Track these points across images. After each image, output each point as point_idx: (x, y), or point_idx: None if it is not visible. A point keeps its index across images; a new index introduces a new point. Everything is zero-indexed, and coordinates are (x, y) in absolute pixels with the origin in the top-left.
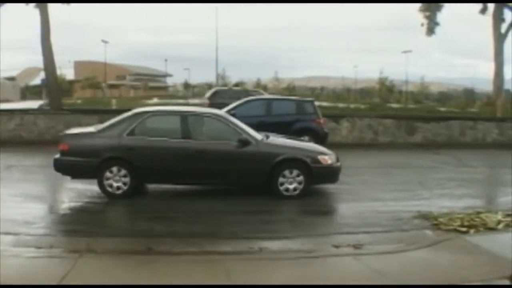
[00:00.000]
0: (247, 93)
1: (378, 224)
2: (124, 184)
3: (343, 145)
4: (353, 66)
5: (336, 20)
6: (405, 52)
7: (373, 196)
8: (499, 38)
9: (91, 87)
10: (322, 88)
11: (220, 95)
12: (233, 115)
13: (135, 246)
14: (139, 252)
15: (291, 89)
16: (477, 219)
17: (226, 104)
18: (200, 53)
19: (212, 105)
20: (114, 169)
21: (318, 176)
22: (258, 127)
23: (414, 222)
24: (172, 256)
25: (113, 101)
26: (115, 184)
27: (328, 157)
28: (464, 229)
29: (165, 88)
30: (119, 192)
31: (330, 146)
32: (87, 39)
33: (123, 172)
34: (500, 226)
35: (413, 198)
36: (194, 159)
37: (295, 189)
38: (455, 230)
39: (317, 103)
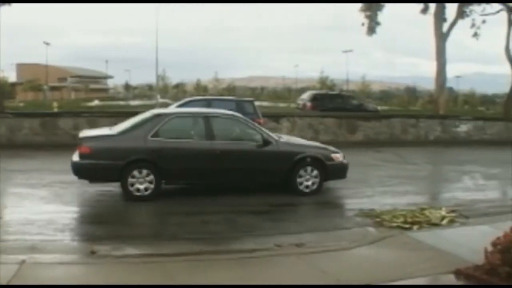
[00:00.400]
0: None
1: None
2: (148, 187)
3: None
4: (293, 66)
5: (277, 20)
6: (345, 51)
7: None
8: (441, 37)
9: (33, 90)
10: (262, 88)
11: (319, 99)
12: None
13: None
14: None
15: (231, 89)
16: (420, 216)
17: (326, 107)
18: (140, 54)
19: (313, 108)
20: (139, 171)
21: (332, 172)
22: None
23: (356, 220)
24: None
25: (55, 104)
26: (140, 186)
27: (339, 155)
28: (407, 225)
29: (106, 90)
30: (144, 194)
31: None
32: (29, 41)
33: (147, 173)
34: (444, 222)
35: (355, 196)
36: (219, 159)
37: (313, 185)
38: (398, 227)
39: (257, 103)
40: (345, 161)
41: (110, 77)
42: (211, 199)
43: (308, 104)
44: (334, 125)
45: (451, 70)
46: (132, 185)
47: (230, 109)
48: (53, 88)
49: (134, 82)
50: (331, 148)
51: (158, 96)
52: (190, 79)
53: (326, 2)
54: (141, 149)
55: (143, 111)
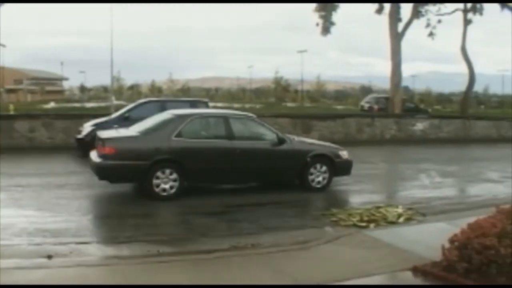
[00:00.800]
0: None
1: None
2: (172, 186)
3: None
4: (248, 67)
5: (231, 21)
6: (300, 51)
7: None
8: (396, 37)
9: None
10: (217, 89)
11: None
12: (127, 117)
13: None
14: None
15: (185, 90)
16: (377, 214)
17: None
18: (95, 56)
19: (379, 109)
20: (164, 171)
21: (339, 169)
22: None
23: (313, 219)
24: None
25: (11, 106)
26: (164, 186)
27: (345, 153)
28: (363, 224)
29: (61, 92)
30: (168, 193)
31: None
32: None
33: (170, 173)
34: (401, 219)
35: (312, 197)
36: (239, 158)
37: (323, 180)
38: (355, 226)
39: (212, 104)
40: (350, 159)
41: (66, 78)
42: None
43: (375, 106)
44: (289, 125)
45: (407, 70)
46: (157, 185)
47: None
48: (9, 91)
49: (89, 83)
50: (337, 146)
51: (113, 98)
52: (145, 80)
53: (280, 2)
54: (165, 149)
55: (106, 113)
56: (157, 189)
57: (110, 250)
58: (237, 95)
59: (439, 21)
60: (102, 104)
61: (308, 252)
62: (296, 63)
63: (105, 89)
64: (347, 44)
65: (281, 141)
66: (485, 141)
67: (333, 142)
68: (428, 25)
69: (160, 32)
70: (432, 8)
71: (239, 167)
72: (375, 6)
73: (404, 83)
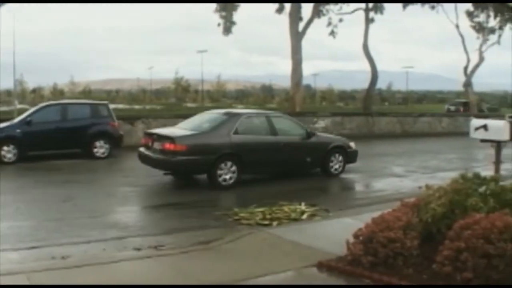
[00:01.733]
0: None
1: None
2: (231, 177)
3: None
4: (148, 68)
5: (131, 21)
6: (200, 51)
7: None
8: (296, 36)
9: None
10: (117, 91)
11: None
12: (29, 122)
13: None
14: None
15: (87, 92)
16: (279, 212)
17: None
18: None
19: (465, 111)
20: (226, 163)
21: (350, 157)
22: (55, 133)
23: (215, 219)
24: None
25: None
26: (226, 177)
27: (353, 144)
28: (266, 222)
29: None
30: (229, 183)
31: (127, 148)
32: None
33: (231, 165)
34: (305, 216)
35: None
36: (282, 151)
37: (339, 167)
38: (258, 224)
39: (112, 106)
40: (356, 149)
41: None
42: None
43: (461, 108)
44: None
45: (308, 68)
46: (220, 176)
47: (85, 113)
48: None
49: None
50: (347, 139)
51: (16, 102)
52: (48, 83)
53: (181, 2)
54: (227, 144)
55: (10, 117)
56: (219, 179)
57: None
58: (137, 96)
59: (341, 20)
60: (5, 108)
61: (211, 252)
62: (197, 64)
63: (8, 92)
64: (248, 43)
65: (309, 135)
66: (389, 137)
67: None
68: (329, 24)
69: (61, 33)
70: (333, 7)
71: (282, 158)
72: (275, 5)
73: (306, 81)
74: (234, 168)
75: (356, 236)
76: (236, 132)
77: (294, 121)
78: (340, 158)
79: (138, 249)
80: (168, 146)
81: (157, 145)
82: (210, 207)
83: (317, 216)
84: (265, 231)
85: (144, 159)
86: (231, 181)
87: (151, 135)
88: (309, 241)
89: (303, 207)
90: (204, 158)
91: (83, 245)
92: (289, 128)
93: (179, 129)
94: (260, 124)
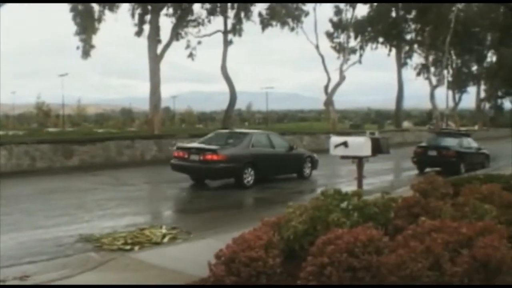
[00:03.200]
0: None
1: (42, 252)
2: (251, 179)
3: (2, 174)
4: (11, 92)
5: None
6: (61, 75)
7: (34, 224)
8: (155, 59)
9: None
10: None
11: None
12: None
13: None
14: None
15: None
16: (141, 236)
17: None
18: None
19: None
20: (248, 169)
21: (314, 165)
22: None
23: (77, 246)
24: None
25: None
26: (248, 179)
27: (316, 155)
28: (128, 247)
29: None
30: (250, 183)
31: None
32: None
33: (251, 171)
34: (166, 239)
35: (74, 222)
36: (278, 159)
37: (309, 172)
38: (120, 249)
39: None
40: (317, 158)
41: None
42: None
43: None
44: (50, 151)
45: (168, 90)
46: (245, 179)
47: None
48: None
49: None
50: (312, 152)
51: None
52: None
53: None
54: (248, 155)
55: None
56: (244, 181)
57: None
58: (0, 122)
59: (199, 43)
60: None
61: (75, 280)
62: (58, 87)
63: None
64: (108, 66)
65: (291, 148)
66: None
67: (95, 167)
68: (188, 46)
69: None
70: (192, 30)
71: (278, 165)
72: (135, 28)
73: (165, 103)
74: (252, 172)
75: (217, 257)
76: (252, 146)
77: (282, 138)
78: (309, 165)
79: (3, 281)
80: (210, 156)
81: (195, 157)
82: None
83: (178, 239)
84: (128, 256)
85: (179, 168)
86: (251, 182)
87: (187, 149)
88: (172, 264)
89: (163, 230)
90: (236, 165)
91: None
92: (280, 143)
93: (209, 145)
94: (264, 140)
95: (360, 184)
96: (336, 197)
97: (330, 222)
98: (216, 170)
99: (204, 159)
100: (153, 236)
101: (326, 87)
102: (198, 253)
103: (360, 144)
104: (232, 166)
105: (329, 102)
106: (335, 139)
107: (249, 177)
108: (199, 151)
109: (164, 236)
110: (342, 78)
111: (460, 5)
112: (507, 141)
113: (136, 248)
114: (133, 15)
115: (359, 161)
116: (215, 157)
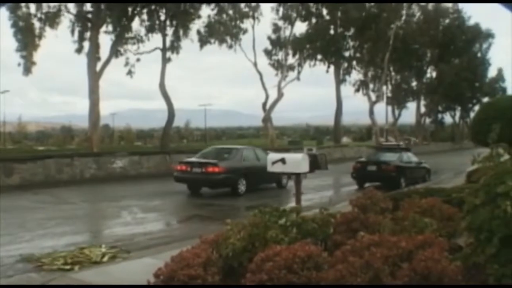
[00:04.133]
0: None
1: None
2: (243, 188)
3: None
4: None
5: None
6: (2, 92)
7: None
8: (94, 76)
9: None
10: None
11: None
12: None
13: None
14: None
15: None
16: (80, 255)
17: None
18: None
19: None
20: (241, 179)
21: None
22: None
23: (17, 266)
24: None
25: None
26: (241, 188)
27: None
28: (68, 266)
29: None
30: (242, 192)
31: None
32: None
33: (244, 180)
34: (106, 258)
35: (14, 242)
36: (263, 171)
37: (286, 183)
38: (60, 269)
39: None
40: None
41: None
42: None
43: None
44: None
45: (107, 107)
46: (239, 188)
47: None
48: None
49: None
50: None
51: None
52: None
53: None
54: (241, 167)
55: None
56: (239, 190)
57: None
58: None
59: (138, 60)
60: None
61: None
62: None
63: None
64: (49, 83)
65: None
66: None
67: (35, 185)
68: (127, 63)
69: None
70: (131, 47)
71: (263, 176)
72: (75, 45)
73: (105, 121)
74: (245, 182)
75: (156, 275)
76: (244, 160)
77: (264, 151)
78: (286, 176)
79: None
80: (211, 169)
81: (197, 169)
82: None
83: (118, 258)
84: (68, 276)
85: (182, 179)
86: (244, 190)
87: (189, 163)
88: (112, 283)
89: (103, 249)
90: (233, 176)
91: None
92: (264, 156)
93: (208, 159)
94: (252, 154)
95: (298, 200)
96: (274, 214)
97: (268, 239)
98: (217, 181)
99: (206, 171)
100: (92, 256)
101: (264, 104)
102: (138, 272)
103: (298, 161)
104: (230, 177)
105: (267, 119)
106: (272, 156)
107: (242, 186)
108: (201, 164)
109: (103, 255)
110: (281, 95)
111: (399, 22)
112: (448, 155)
113: (76, 268)
114: (72, 32)
115: (297, 177)
116: (216, 169)
